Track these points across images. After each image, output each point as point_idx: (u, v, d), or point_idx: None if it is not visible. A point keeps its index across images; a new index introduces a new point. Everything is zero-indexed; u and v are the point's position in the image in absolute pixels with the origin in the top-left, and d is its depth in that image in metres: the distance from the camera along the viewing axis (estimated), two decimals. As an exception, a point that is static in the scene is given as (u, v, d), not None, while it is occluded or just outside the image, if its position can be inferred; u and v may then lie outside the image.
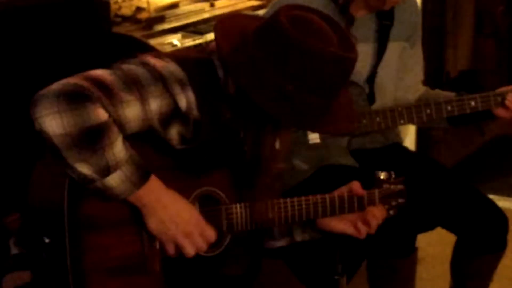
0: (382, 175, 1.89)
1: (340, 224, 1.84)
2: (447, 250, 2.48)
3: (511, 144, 4.41)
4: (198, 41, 2.90)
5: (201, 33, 2.96)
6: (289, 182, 2.18)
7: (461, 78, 4.29)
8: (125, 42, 2.68)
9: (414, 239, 2.24)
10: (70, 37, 2.37)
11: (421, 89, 2.46)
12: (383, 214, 1.85)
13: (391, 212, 1.91)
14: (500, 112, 2.31)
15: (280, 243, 1.86)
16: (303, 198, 1.79)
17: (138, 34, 2.89)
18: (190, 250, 1.61)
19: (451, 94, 2.37)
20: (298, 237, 1.87)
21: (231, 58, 1.58)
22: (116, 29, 2.85)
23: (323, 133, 1.58)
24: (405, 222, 2.17)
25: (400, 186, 1.91)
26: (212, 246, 1.68)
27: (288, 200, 1.76)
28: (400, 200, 1.91)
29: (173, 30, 3.05)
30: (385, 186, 1.89)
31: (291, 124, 1.66)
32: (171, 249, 1.61)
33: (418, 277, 2.44)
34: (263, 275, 2.33)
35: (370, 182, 1.88)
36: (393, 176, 1.91)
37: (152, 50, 2.62)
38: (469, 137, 4.16)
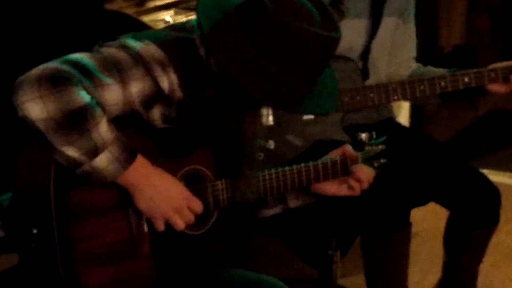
0: (363, 136, 1.90)
1: (333, 188, 1.87)
2: (441, 225, 2.49)
3: (504, 118, 4.42)
4: (190, 17, 2.88)
5: (194, 9, 2.94)
6: (283, 158, 2.18)
7: (455, 54, 4.28)
8: (117, 19, 2.66)
9: (408, 214, 2.26)
10: (61, 14, 2.36)
11: (414, 65, 2.47)
12: (370, 172, 1.87)
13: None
14: (493, 87, 2.32)
15: (274, 211, 1.87)
16: (287, 168, 1.79)
17: (130, 11, 2.87)
18: (180, 225, 1.62)
19: (443, 71, 2.37)
20: (292, 203, 1.88)
21: (212, 36, 1.56)
22: (108, 6, 2.83)
23: (307, 114, 1.57)
24: (399, 197, 2.18)
25: (381, 147, 1.93)
26: (199, 224, 1.68)
27: (273, 171, 1.77)
28: (382, 161, 1.93)
29: (166, 7, 3.03)
30: (367, 148, 1.91)
31: (275, 106, 1.65)
32: (160, 226, 1.61)
33: (412, 251, 2.45)
34: (255, 251, 2.34)
35: (353, 145, 1.90)
36: (374, 137, 1.92)
37: (144, 27, 2.61)
38: (462, 111, 4.17)
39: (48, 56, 1.54)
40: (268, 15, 1.53)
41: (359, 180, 1.86)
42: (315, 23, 1.56)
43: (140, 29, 1.75)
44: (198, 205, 1.64)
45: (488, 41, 4.51)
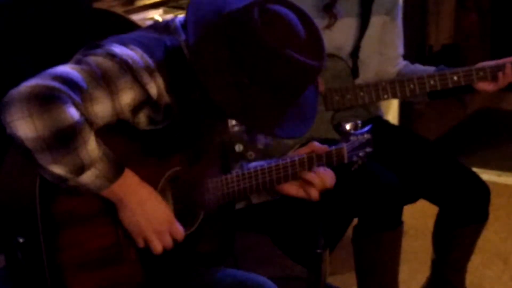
0: (348, 126, 1.89)
1: (292, 189, 1.83)
2: (430, 223, 2.50)
3: (493, 116, 4.44)
4: (179, 16, 2.88)
5: (183, 8, 2.94)
6: (275, 156, 2.18)
7: (444, 52, 4.29)
8: (106, 18, 2.65)
9: (400, 212, 2.26)
10: (50, 13, 2.35)
11: (401, 63, 2.48)
12: (328, 175, 1.82)
13: (359, 162, 1.92)
14: (481, 86, 2.33)
15: (237, 206, 1.86)
16: (265, 166, 1.77)
17: (119, 10, 2.86)
18: (158, 247, 1.60)
19: (431, 69, 2.38)
20: (255, 200, 1.87)
21: (195, 41, 1.55)
22: (97, 5, 2.82)
23: (267, 134, 1.55)
24: (392, 195, 2.19)
25: (367, 136, 1.91)
26: (186, 224, 1.67)
27: (234, 175, 1.74)
28: (368, 150, 1.91)
29: (155, 5, 3.02)
30: (353, 138, 1.89)
31: (235, 116, 1.62)
32: (140, 242, 1.60)
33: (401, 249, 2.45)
34: (244, 250, 2.33)
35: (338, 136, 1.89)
36: (359, 125, 1.91)
37: (133, 26, 2.60)
38: (451, 110, 4.19)
39: (36, 55, 1.52)
40: (253, 29, 1.53)
41: (311, 183, 1.80)
42: (300, 48, 1.55)
43: (129, 28, 1.74)
44: (179, 232, 1.62)
45: (476, 39, 4.53)
